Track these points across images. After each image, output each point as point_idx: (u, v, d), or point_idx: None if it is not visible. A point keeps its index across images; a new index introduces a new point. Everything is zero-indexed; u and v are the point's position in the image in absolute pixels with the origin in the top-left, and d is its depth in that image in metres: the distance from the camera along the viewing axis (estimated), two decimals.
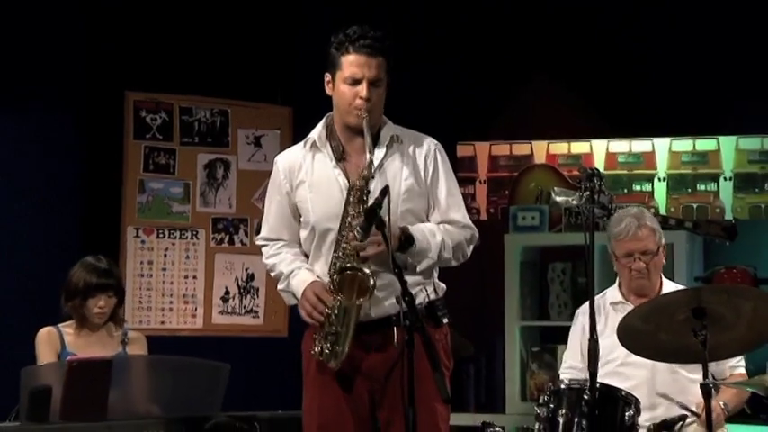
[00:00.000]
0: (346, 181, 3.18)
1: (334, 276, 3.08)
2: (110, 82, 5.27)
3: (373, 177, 3.13)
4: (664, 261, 4.02)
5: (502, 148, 5.67)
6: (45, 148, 5.12)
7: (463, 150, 5.63)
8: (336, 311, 3.09)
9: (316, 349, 3.13)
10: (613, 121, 5.38)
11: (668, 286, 4.00)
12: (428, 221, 3.23)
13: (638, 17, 5.27)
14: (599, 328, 4.02)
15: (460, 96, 5.48)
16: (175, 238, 5.41)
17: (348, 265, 3.06)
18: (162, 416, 3.72)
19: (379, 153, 3.18)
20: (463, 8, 5.48)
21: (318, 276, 3.18)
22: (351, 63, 3.14)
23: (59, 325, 4.22)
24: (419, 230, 3.15)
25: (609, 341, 3.77)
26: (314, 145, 3.25)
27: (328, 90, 3.22)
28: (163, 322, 5.36)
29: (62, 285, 4.19)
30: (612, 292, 4.06)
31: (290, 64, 5.32)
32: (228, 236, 5.48)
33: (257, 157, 5.48)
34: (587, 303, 4.15)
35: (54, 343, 4.18)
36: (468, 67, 5.50)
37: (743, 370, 3.91)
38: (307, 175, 3.24)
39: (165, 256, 5.39)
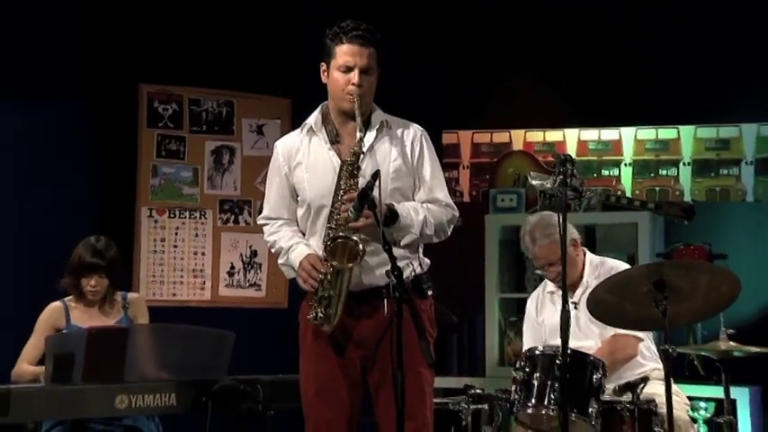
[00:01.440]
0: (339, 161, 3.17)
1: (328, 243, 3.07)
2: (125, 75, 5.27)
3: (364, 154, 3.14)
4: (578, 254, 4.03)
5: (483, 136, 5.68)
6: (67, 137, 5.12)
7: (448, 138, 5.64)
8: (329, 276, 3.09)
9: (311, 314, 3.13)
10: (584, 112, 5.41)
11: (590, 265, 4.04)
12: (414, 200, 3.24)
13: (607, 20, 5.28)
14: (545, 314, 4.11)
15: (446, 89, 5.50)
16: (185, 217, 5.42)
17: (341, 234, 3.06)
18: (173, 379, 3.72)
19: (369, 136, 3.19)
20: (452, 13, 5.49)
21: (314, 250, 3.18)
22: (344, 52, 3.15)
23: (66, 299, 4.17)
24: (404, 208, 3.15)
25: (550, 325, 3.84)
26: (310, 130, 3.26)
27: (324, 78, 3.23)
28: (174, 294, 5.37)
29: None
30: (549, 283, 4.12)
31: (290, 59, 5.31)
32: (234, 216, 5.49)
33: (260, 144, 5.49)
34: (533, 294, 4.22)
35: (55, 320, 4.12)
36: (454, 63, 5.52)
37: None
38: (304, 157, 3.24)
39: (176, 234, 5.40)
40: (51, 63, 5.01)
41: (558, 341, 3.79)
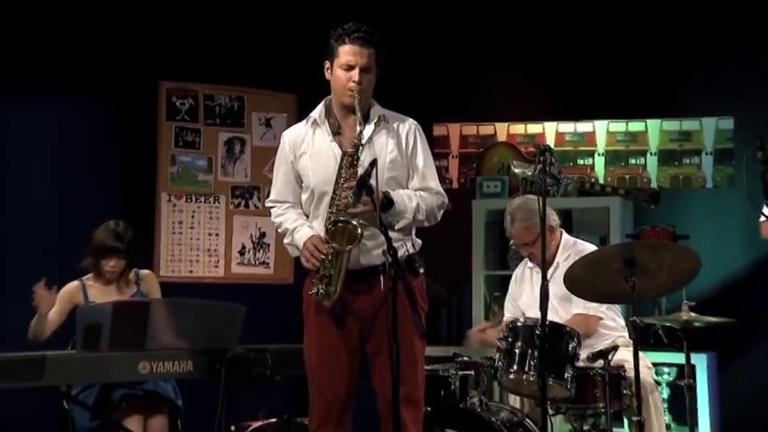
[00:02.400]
0: (340, 151, 3.16)
1: (329, 227, 3.07)
2: (146, 73, 5.27)
3: (363, 146, 3.13)
4: (554, 236, 4.00)
5: (470, 129, 5.67)
6: (96, 129, 5.12)
7: (438, 130, 5.63)
8: (330, 257, 3.08)
9: (313, 290, 3.13)
10: (562, 107, 5.41)
11: (564, 245, 4.02)
12: (407, 188, 3.23)
13: (584, 27, 5.29)
14: (524, 287, 4.11)
15: (437, 86, 5.48)
16: (201, 202, 5.42)
17: (341, 218, 3.06)
18: (190, 347, 3.74)
19: (368, 129, 3.17)
20: (445, 18, 5.48)
21: (317, 231, 3.17)
22: (346, 52, 3.13)
23: (84, 278, 4.17)
24: (398, 195, 3.15)
25: (531, 297, 3.84)
26: (314, 122, 3.25)
27: (327, 75, 3.21)
28: (191, 271, 5.37)
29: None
30: (529, 265, 4.13)
31: (294, 59, 5.30)
32: (244, 201, 5.49)
33: (268, 135, 5.49)
34: (518, 268, 4.21)
35: (72, 296, 4.13)
36: (445, 63, 5.51)
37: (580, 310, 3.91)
38: (308, 147, 3.23)
39: (193, 217, 5.40)
40: (82, 63, 5.02)
41: (530, 313, 3.83)
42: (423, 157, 3.24)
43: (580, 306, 3.89)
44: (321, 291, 3.11)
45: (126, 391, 3.96)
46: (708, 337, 3.86)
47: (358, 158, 3.10)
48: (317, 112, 3.25)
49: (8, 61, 4.75)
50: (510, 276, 5.13)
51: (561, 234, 4.11)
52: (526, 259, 4.19)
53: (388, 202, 3.10)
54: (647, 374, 3.82)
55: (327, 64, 3.20)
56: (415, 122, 3.28)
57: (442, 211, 3.27)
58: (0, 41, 4.76)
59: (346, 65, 3.13)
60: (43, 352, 3.56)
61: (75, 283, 4.16)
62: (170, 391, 4.07)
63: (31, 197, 4.84)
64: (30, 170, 4.86)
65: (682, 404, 3.70)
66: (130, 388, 3.97)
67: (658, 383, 4.32)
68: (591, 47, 5.27)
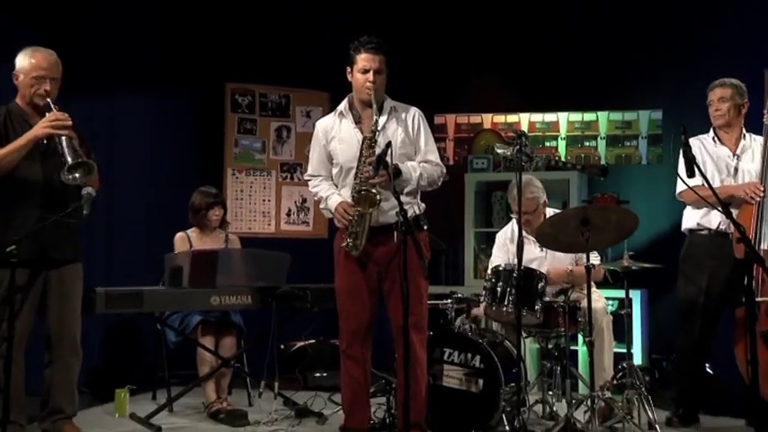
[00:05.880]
0: (362, 136, 3.16)
1: (354, 195, 3.08)
2: (216, 76, 5.27)
3: (379, 132, 3.12)
4: (544, 210, 3.90)
5: (463, 118, 5.62)
6: (179, 119, 5.13)
7: (438, 119, 5.59)
8: (356, 218, 3.09)
9: (344, 243, 3.14)
10: (533, 102, 5.36)
11: (549, 213, 3.94)
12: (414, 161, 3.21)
13: (553, 38, 5.20)
14: (512, 244, 3.99)
15: (438, 85, 5.42)
16: (257, 175, 5.41)
17: (364, 188, 3.05)
18: (249, 285, 3.77)
19: (382, 118, 3.16)
20: (445, 31, 5.40)
21: (345, 198, 3.17)
22: (362, 59, 3.12)
23: (188, 231, 4.21)
24: (406, 167, 3.15)
25: (532, 255, 3.76)
26: (341, 114, 3.24)
27: (349, 78, 3.20)
28: (250, 228, 5.38)
29: (188, 205, 4.20)
30: (515, 226, 3.99)
31: (328, 66, 5.21)
32: (290, 174, 5.48)
33: (308, 124, 5.46)
34: (503, 229, 4.11)
35: (184, 243, 4.17)
36: (445, 67, 5.43)
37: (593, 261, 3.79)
38: (336, 133, 3.23)
39: (251, 187, 5.41)
40: (170, 70, 5.02)
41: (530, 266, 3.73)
42: (425, 137, 3.23)
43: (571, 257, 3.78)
44: (350, 244, 3.11)
45: (203, 317, 3.98)
46: (642, 277, 3.83)
47: (375, 142, 3.09)
48: (343, 105, 3.24)
49: (119, 72, 4.76)
50: (493, 233, 5.11)
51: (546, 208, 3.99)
52: (514, 225, 4.04)
53: (397, 172, 3.09)
54: (602, 303, 3.78)
55: (348, 69, 3.19)
56: (419, 110, 3.27)
57: (441, 179, 3.27)
58: (113, 55, 4.75)
59: (363, 69, 3.11)
60: (141, 288, 3.61)
61: (182, 234, 4.19)
62: (235, 318, 4.08)
63: (133, 170, 4.86)
64: (131, 151, 4.88)
65: (621, 328, 3.70)
66: (206, 314, 3.99)
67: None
68: (556, 57, 5.21)
